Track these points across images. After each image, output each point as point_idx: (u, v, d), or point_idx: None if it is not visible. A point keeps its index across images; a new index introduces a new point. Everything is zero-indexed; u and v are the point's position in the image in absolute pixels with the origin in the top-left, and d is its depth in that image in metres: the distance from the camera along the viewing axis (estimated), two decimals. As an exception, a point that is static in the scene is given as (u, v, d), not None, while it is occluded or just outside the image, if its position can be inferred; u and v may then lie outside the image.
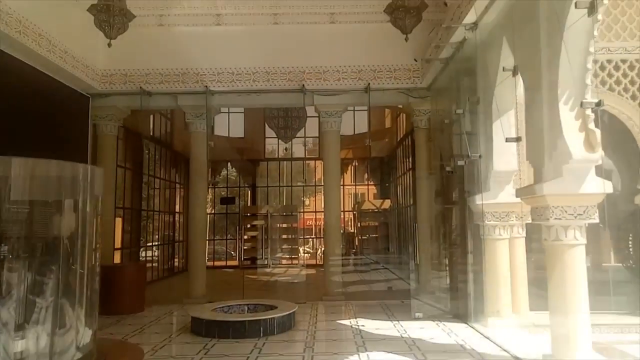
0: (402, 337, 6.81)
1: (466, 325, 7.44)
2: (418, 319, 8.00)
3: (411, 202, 13.98)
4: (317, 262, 18.25)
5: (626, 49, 7.66)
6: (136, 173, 13.33)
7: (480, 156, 7.32)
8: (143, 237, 14.04)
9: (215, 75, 10.05)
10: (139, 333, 7.41)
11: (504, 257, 7.28)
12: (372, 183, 19.14)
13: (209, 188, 9.78)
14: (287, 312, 7.31)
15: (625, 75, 7.61)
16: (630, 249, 9.58)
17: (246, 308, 8.01)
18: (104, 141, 10.27)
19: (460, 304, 8.12)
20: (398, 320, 7.92)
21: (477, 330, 7.01)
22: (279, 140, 17.33)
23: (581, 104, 4.78)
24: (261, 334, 6.88)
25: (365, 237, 17.61)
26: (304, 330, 7.36)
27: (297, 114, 15.06)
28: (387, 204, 16.82)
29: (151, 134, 14.50)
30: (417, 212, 10.54)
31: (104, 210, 10.00)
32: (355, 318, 8.18)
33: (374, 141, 17.30)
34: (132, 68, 9.97)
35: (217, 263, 18.74)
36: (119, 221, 12.37)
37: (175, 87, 10.04)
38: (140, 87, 9.87)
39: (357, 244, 17.92)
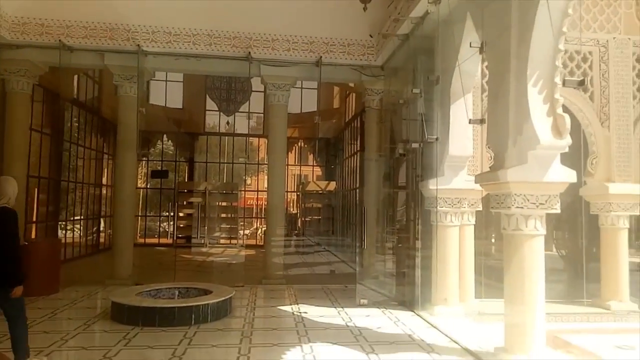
0: (347, 325, 6.40)
1: (412, 313, 7.17)
2: (363, 305, 7.65)
3: (357, 185, 13.67)
4: (257, 243, 17.64)
5: (581, 40, 7.60)
6: (56, 139, 11.91)
7: (437, 139, 6.97)
8: (64, 211, 12.68)
9: (149, 34, 8.99)
10: (48, 319, 6.46)
11: (455, 244, 7.06)
12: (317, 164, 18.67)
13: (139, 160, 8.77)
14: (223, 298, 6.66)
15: (578, 66, 7.56)
16: (566, 238, 9.86)
17: (177, 292, 7.25)
18: (14, 99, 8.92)
19: (407, 290, 7.86)
20: (342, 307, 7.52)
21: (424, 319, 6.75)
22: (221, 114, 16.39)
23: (563, 82, 4.48)
24: (192, 322, 6.19)
25: (308, 219, 17.16)
26: (241, 317, 6.75)
27: (241, 86, 14.20)
28: (332, 186, 16.44)
29: (75, 96, 13.01)
30: (365, 194, 10.17)
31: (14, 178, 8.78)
32: (297, 304, 7.69)
33: (321, 121, 16.87)
34: (51, 18, 8.67)
35: (149, 240, 17.58)
36: (35, 192, 11.02)
37: (101, 44, 8.87)
38: (60, 41, 8.62)
39: (299, 225, 17.45)
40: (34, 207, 11.01)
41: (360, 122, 12.71)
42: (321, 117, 17.12)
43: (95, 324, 6.24)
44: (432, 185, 6.99)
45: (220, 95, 13.97)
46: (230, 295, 6.85)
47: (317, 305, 7.57)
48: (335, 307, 7.52)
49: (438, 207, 6.99)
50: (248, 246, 16.97)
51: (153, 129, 16.86)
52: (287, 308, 7.40)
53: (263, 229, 19.12)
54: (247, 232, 21.10)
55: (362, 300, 7.75)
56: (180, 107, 17.89)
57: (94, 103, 14.22)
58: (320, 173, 18.70)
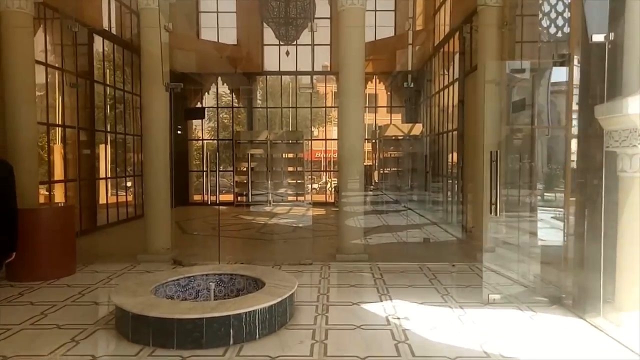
0: (486, 352, 3.75)
1: (583, 320, 4.38)
2: (494, 303, 4.95)
3: (452, 126, 10.58)
4: (327, 200, 15.28)
5: None
6: (86, 80, 9.95)
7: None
8: (101, 169, 10.94)
9: None
10: (30, 325, 4.44)
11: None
12: (396, 105, 15.53)
13: (169, 94, 6.53)
14: (279, 298, 4.25)
15: None
16: None
17: (213, 284, 4.97)
18: (8, 21, 6.80)
19: (565, 280, 5.02)
20: (461, 306, 4.88)
21: (611, 337, 3.95)
22: (280, 44, 13.70)
23: None
24: (231, 341, 3.87)
25: (386, 171, 14.35)
26: (308, 328, 4.33)
27: (302, 5, 11.27)
28: (417, 129, 13.36)
29: (102, 23, 10.80)
30: (480, 133, 7.14)
31: (19, 126, 6.82)
32: (391, 299, 5.14)
33: (399, 50, 13.64)
34: None
35: (214, 198, 15.74)
36: (57, 147, 9.23)
37: None
38: None
39: (375, 179, 14.71)
40: (60, 163, 9.25)
41: (460, 38, 9.43)
42: (397, 45, 13.93)
43: (88, 338, 4.11)
44: (632, 106, 3.93)
45: (277, 17, 11.21)
46: (290, 293, 4.43)
47: (422, 303, 4.98)
48: (450, 306, 4.89)
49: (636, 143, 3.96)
50: (316, 204, 14.64)
51: (205, 71, 14.64)
52: (377, 308, 4.88)
53: (333, 183, 16.71)
54: (315, 186, 18.80)
55: (492, 296, 5.03)
56: (235, 43, 15.39)
57: (123, 31, 11.94)
58: (399, 116, 15.58)
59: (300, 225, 10.90)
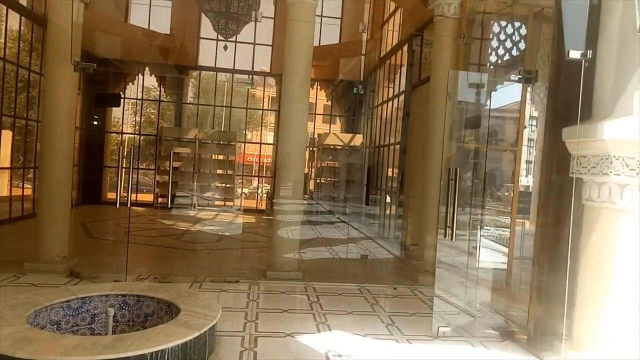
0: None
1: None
2: (444, 337, 4.44)
3: (394, 139, 10.26)
4: (258, 207, 14.40)
5: None
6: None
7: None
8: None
9: None
10: None
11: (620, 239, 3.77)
12: (335, 114, 15.06)
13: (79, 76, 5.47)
14: (196, 333, 3.39)
15: None
16: None
17: (113, 309, 3.98)
18: None
19: (516, 310, 4.65)
20: (407, 339, 4.31)
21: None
22: (218, 38, 12.73)
23: None
24: (129, 390, 2.97)
25: (323, 181, 13.79)
26: (232, 368, 3.52)
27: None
28: (358, 140, 12.94)
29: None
30: (428, 148, 6.74)
31: None
32: (330, 330, 4.46)
33: (345, 57, 13.25)
34: None
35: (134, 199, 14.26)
36: None
37: None
38: None
39: (311, 188, 14.09)
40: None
41: (409, 50, 9.13)
42: (343, 52, 13.53)
43: None
44: (609, 131, 3.61)
45: (217, 8, 10.27)
46: (212, 324, 3.59)
47: (365, 335, 4.35)
48: (396, 340, 4.30)
49: (613, 171, 3.64)
50: (246, 210, 13.72)
51: (131, 58, 13.26)
52: (315, 341, 4.17)
53: (265, 189, 15.88)
54: (245, 190, 17.84)
55: (442, 329, 4.51)
56: (168, 32, 14.13)
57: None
58: (338, 126, 15.13)
59: (227, 234, 9.94)
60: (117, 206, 5.64)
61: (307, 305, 5.21)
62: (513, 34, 7.77)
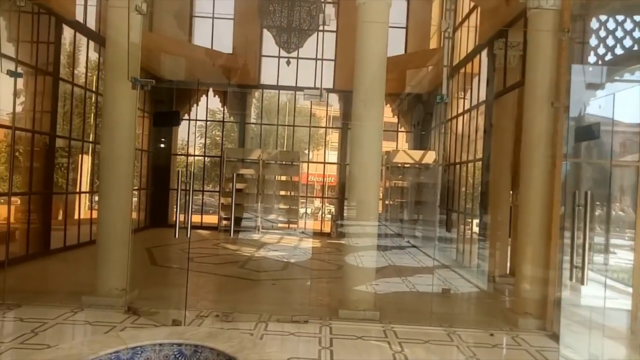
0: None
1: None
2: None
3: (473, 156, 9.22)
4: (323, 230, 13.73)
5: None
6: (51, 78, 8.46)
7: None
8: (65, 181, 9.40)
9: None
10: None
11: None
12: (402, 130, 14.17)
13: (140, 94, 5.21)
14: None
15: None
16: None
17: (168, 365, 3.39)
18: None
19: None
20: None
21: None
22: (280, 55, 12.44)
23: None
24: None
25: (391, 202, 12.90)
26: None
27: (308, 10, 10.00)
28: (430, 157, 11.95)
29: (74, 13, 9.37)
30: (527, 163, 5.71)
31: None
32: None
33: (411, 68, 12.40)
34: None
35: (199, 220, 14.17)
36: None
37: None
38: None
39: (380, 210, 13.22)
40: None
41: (489, 55, 8.15)
42: (409, 64, 12.67)
43: None
44: None
45: (279, 22, 9.89)
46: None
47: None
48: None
49: None
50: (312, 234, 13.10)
51: (195, 79, 13.27)
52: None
53: (329, 210, 15.21)
54: (308, 211, 17.28)
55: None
56: (230, 51, 14.05)
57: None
58: (407, 141, 14.21)
59: (293, 260, 9.30)
60: (176, 236, 5.15)
61: (389, 356, 4.36)
62: (616, 29, 6.65)
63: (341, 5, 13.04)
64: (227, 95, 14.25)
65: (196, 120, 14.59)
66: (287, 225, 13.00)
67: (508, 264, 8.24)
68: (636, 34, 6.69)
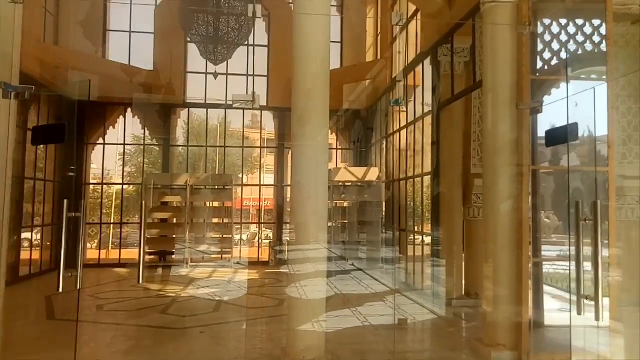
0: None
1: None
2: None
3: (419, 170, 8.64)
4: (260, 258, 12.57)
5: None
6: None
7: None
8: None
9: None
10: None
11: None
12: (341, 147, 13.48)
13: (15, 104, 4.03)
14: None
15: None
16: None
17: None
18: None
19: None
20: None
21: None
22: (207, 71, 11.40)
23: None
24: None
25: (334, 224, 12.06)
26: None
27: (236, 20, 9.10)
28: (373, 174, 11.27)
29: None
30: (490, 172, 5.06)
31: None
32: None
33: (347, 83, 11.84)
34: None
35: (113, 255, 12.45)
36: None
37: None
38: None
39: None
40: None
41: (433, 62, 7.66)
42: (346, 78, 12.11)
43: None
44: None
45: (204, 31, 8.87)
46: None
47: None
48: None
49: None
50: (248, 263, 11.89)
51: (112, 97, 11.80)
52: None
53: (267, 235, 14.11)
54: (243, 237, 16.04)
55: None
56: (151, 68, 12.75)
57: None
58: (343, 161, 13.53)
59: (226, 298, 8.04)
60: (77, 287, 3.87)
61: None
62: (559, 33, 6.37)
63: (273, 18, 12.30)
64: (148, 115, 12.86)
65: (112, 144, 13.01)
66: (220, 256, 11.69)
67: (463, 284, 7.65)
68: (579, 38, 6.46)
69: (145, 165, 14.19)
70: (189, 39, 11.28)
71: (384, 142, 10.88)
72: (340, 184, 11.70)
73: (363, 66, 11.52)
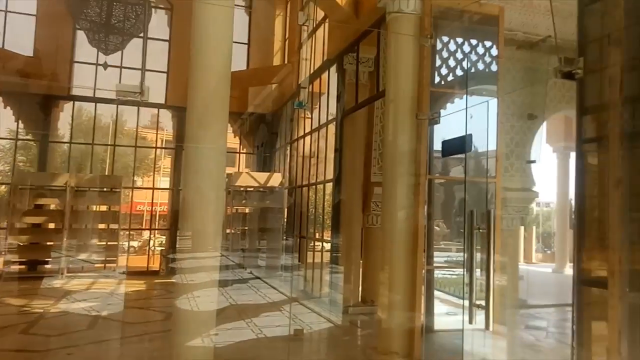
0: None
1: None
2: None
3: (323, 176, 8.61)
4: (151, 267, 11.64)
5: None
6: None
7: None
8: None
9: None
10: None
11: None
12: (243, 151, 13.06)
13: None
14: None
15: None
16: None
17: None
18: None
19: None
20: None
21: None
22: (98, 62, 10.36)
23: None
24: None
25: (233, 230, 11.57)
26: None
27: (131, 8, 8.35)
28: (276, 179, 11.00)
29: None
30: (389, 180, 5.10)
31: None
32: None
33: (253, 86, 11.57)
34: None
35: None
36: None
37: None
38: None
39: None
40: None
41: (339, 70, 7.68)
42: (252, 81, 11.82)
43: None
44: None
45: (96, 18, 7.98)
46: None
47: None
48: None
49: None
50: (134, 273, 10.90)
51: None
52: None
53: (159, 241, 13.19)
54: (133, 244, 14.87)
55: None
56: (31, 54, 11.27)
57: None
58: (249, 163, 13.13)
59: (105, 313, 7.17)
60: None
61: None
62: (456, 50, 6.72)
63: (175, 11, 11.57)
64: (24, 106, 11.33)
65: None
66: (103, 265, 10.58)
67: (360, 291, 7.70)
68: (473, 57, 6.86)
69: (22, 164, 12.53)
70: (77, 26, 10.17)
71: (288, 148, 10.73)
72: (242, 189, 11.28)
73: (270, 69, 11.30)
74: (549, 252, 16.93)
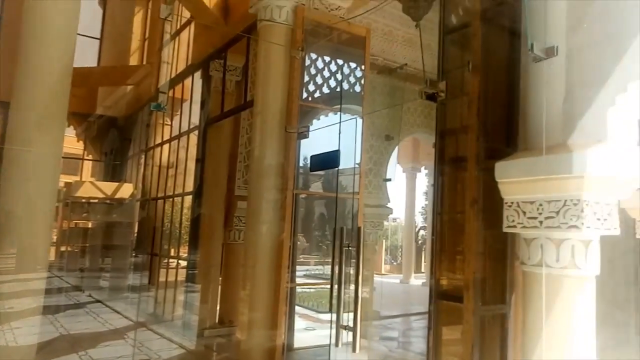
0: None
1: None
2: None
3: (182, 189, 8.00)
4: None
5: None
6: None
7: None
8: None
9: None
10: None
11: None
12: (88, 158, 11.55)
13: None
14: None
15: None
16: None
17: None
18: None
19: None
20: None
21: None
22: None
23: None
24: None
25: (70, 248, 10.05)
26: None
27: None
28: (127, 191, 9.86)
29: None
30: (254, 194, 4.85)
31: None
32: None
33: (104, 86, 10.44)
34: None
35: None
36: None
37: None
38: None
39: (52, 258, 10.05)
40: None
41: (204, 76, 7.26)
42: (104, 80, 10.63)
43: None
44: (592, 161, 2.54)
45: None
46: None
47: None
48: None
49: (585, 223, 2.55)
50: None
51: None
52: None
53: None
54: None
55: None
56: None
57: None
58: (96, 171, 11.61)
59: None
60: None
61: None
62: (323, 69, 6.89)
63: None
64: None
65: None
66: None
67: (218, 311, 7.24)
68: (339, 76, 7.07)
69: None
70: None
71: (143, 156, 9.78)
72: (84, 200, 9.91)
73: (125, 69, 10.25)
74: (395, 263, 18.37)
